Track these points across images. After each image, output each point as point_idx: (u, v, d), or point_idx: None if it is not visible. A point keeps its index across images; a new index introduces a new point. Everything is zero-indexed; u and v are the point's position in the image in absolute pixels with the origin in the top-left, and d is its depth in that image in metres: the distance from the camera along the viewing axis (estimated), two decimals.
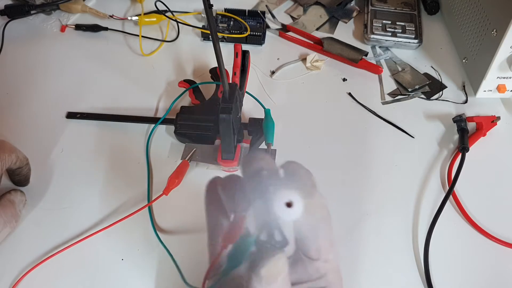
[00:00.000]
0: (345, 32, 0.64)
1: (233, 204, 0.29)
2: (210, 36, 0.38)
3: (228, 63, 0.46)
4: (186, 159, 0.47)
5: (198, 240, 0.44)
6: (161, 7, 0.62)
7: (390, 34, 0.61)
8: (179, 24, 0.63)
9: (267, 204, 0.25)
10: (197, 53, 0.61)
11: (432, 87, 0.57)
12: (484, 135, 0.52)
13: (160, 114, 0.54)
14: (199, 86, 0.54)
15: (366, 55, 0.59)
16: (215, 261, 0.29)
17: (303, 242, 0.28)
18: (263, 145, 0.48)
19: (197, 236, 0.44)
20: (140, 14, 0.64)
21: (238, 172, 0.29)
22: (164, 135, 0.52)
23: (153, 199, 0.46)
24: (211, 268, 0.29)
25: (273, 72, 0.59)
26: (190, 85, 0.54)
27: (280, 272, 0.25)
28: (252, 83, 0.57)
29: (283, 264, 0.25)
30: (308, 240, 0.28)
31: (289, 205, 0.25)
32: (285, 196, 0.25)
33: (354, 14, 0.66)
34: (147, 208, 0.46)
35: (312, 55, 0.60)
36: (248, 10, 0.64)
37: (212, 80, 0.56)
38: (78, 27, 0.63)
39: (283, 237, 0.26)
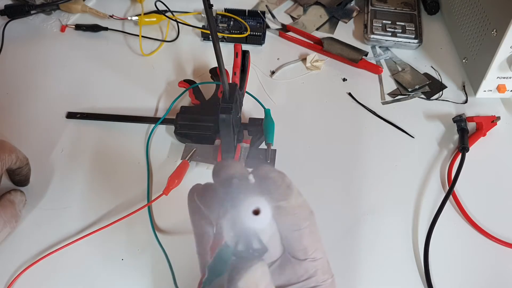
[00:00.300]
0: (345, 32, 0.64)
1: (212, 213, 0.29)
2: (210, 36, 0.38)
3: (228, 63, 0.46)
4: (186, 159, 0.47)
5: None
6: (161, 7, 0.62)
7: (390, 34, 0.61)
8: (179, 24, 0.63)
9: (236, 216, 0.25)
10: (197, 53, 0.61)
11: (432, 87, 0.57)
12: (484, 135, 0.52)
13: (160, 114, 0.54)
14: (199, 86, 0.54)
15: (366, 55, 0.59)
16: (204, 273, 0.29)
17: (288, 244, 0.28)
18: (263, 145, 0.48)
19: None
20: (140, 14, 0.64)
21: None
22: (164, 135, 0.52)
23: (152, 199, 0.46)
24: (202, 278, 0.29)
25: (273, 72, 0.59)
26: (190, 85, 0.54)
27: (259, 283, 0.24)
28: (252, 83, 0.57)
29: (262, 273, 0.25)
30: (292, 241, 0.28)
31: (256, 212, 0.24)
32: (251, 203, 0.24)
33: (354, 14, 0.66)
34: (147, 208, 0.46)
35: (312, 55, 0.60)
36: (248, 10, 0.64)
37: (212, 80, 0.56)
38: (78, 27, 0.63)
39: (261, 244, 0.26)
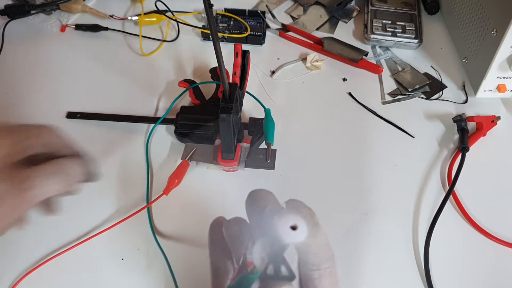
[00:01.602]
0: (345, 32, 0.64)
1: (238, 246, 0.29)
2: (210, 36, 0.38)
3: (228, 63, 0.46)
4: (186, 159, 0.47)
5: (197, 242, 0.44)
6: (161, 7, 0.62)
7: (390, 34, 0.61)
8: (179, 24, 0.63)
9: (272, 236, 0.26)
10: (197, 53, 0.61)
11: (432, 87, 0.57)
12: (484, 135, 0.52)
13: (160, 114, 0.54)
14: (199, 86, 0.54)
15: (366, 55, 0.59)
16: None
17: (307, 283, 0.28)
18: (263, 145, 0.48)
19: (196, 237, 0.44)
20: (140, 14, 0.64)
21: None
22: (164, 135, 0.52)
23: (153, 199, 0.46)
24: None
25: (273, 72, 0.59)
26: (190, 85, 0.54)
27: None
28: (252, 83, 0.57)
29: None
30: (312, 281, 0.28)
31: (294, 228, 0.25)
32: (290, 219, 0.25)
33: (354, 14, 0.66)
34: (146, 208, 0.46)
35: (312, 55, 0.60)
36: (248, 10, 0.64)
37: (212, 80, 0.56)
38: (78, 27, 0.63)
39: (289, 271, 0.27)
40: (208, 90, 0.54)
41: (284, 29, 0.64)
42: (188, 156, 0.47)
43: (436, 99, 0.56)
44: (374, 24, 0.62)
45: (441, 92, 0.57)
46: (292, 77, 0.59)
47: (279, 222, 0.25)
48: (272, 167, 0.47)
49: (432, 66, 0.60)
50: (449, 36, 0.63)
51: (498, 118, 0.53)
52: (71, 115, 0.54)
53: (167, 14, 0.62)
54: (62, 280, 0.42)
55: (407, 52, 0.61)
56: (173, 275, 0.41)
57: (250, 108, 0.53)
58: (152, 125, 0.52)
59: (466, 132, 0.51)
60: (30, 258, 0.43)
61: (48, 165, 0.34)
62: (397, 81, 0.58)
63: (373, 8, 0.64)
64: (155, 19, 0.64)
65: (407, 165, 0.50)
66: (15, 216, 0.32)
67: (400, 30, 0.61)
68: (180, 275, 0.42)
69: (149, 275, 0.42)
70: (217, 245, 0.32)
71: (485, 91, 0.55)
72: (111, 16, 0.64)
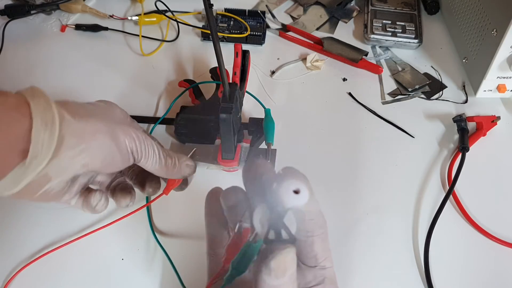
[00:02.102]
0: (345, 32, 0.64)
1: (236, 214, 0.30)
2: (210, 36, 0.38)
3: (228, 63, 0.46)
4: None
5: (197, 241, 0.44)
6: (161, 7, 0.62)
7: (390, 34, 0.61)
8: (179, 24, 0.64)
9: (273, 199, 0.26)
10: (197, 53, 0.61)
11: (432, 87, 0.57)
12: (484, 135, 0.52)
13: (160, 114, 0.54)
14: (199, 86, 0.54)
15: (366, 55, 0.60)
16: (219, 272, 0.29)
17: (300, 249, 0.28)
18: (263, 145, 0.48)
19: (196, 236, 0.44)
20: (140, 14, 0.64)
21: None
22: (164, 135, 0.52)
23: (152, 198, 0.46)
24: (214, 279, 0.29)
25: (273, 72, 0.59)
26: (190, 85, 0.54)
27: (288, 267, 0.25)
28: (252, 83, 0.57)
29: (292, 258, 0.25)
30: (305, 247, 0.28)
31: (296, 192, 0.26)
32: (291, 184, 0.26)
33: (354, 14, 0.66)
34: (146, 207, 0.46)
35: (312, 55, 0.60)
36: (248, 10, 0.64)
37: (212, 80, 0.56)
38: (78, 27, 0.63)
39: (290, 235, 0.27)
40: (208, 90, 0.54)
41: (284, 29, 0.64)
42: (188, 156, 0.47)
43: (436, 99, 0.56)
44: (374, 24, 0.62)
45: (441, 92, 0.57)
46: (292, 77, 0.59)
47: (281, 186, 0.25)
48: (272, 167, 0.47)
49: (432, 66, 0.60)
50: (449, 36, 0.63)
51: (498, 118, 0.53)
52: None
53: (167, 14, 0.62)
54: (62, 280, 0.42)
55: (407, 52, 0.61)
56: (177, 272, 0.41)
57: (250, 108, 0.53)
58: (152, 125, 0.52)
59: (466, 132, 0.51)
60: (27, 257, 0.43)
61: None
62: (397, 81, 0.58)
63: (373, 8, 0.64)
64: (155, 19, 0.64)
65: (407, 165, 0.50)
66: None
67: (400, 30, 0.61)
68: (181, 273, 0.42)
69: (149, 275, 0.42)
70: (213, 215, 0.32)
71: (485, 91, 0.55)
72: (111, 16, 0.64)
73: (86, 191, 0.37)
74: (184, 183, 0.43)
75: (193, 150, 0.47)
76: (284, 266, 0.25)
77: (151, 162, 0.37)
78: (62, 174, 0.31)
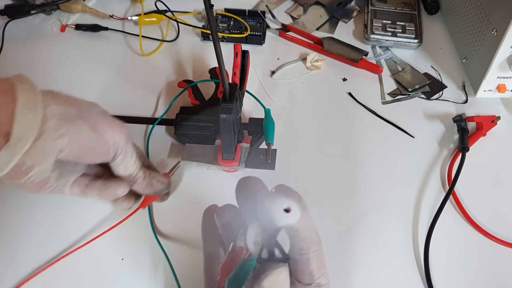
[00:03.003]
0: (345, 32, 0.64)
1: (230, 232, 0.30)
2: (210, 36, 0.38)
3: (228, 63, 0.46)
4: (186, 159, 0.47)
5: (197, 241, 0.44)
6: (161, 7, 0.62)
7: (390, 34, 0.61)
8: (179, 24, 0.63)
9: (265, 218, 0.26)
10: (197, 53, 0.61)
11: (432, 87, 0.57)
12: (484, 135, 0.52)
13: (159, 114, 0.54)
14: (199, 86, 0.54)
15: (366, 55, 0.60)
16: None
17: (295, 267, 0.28)
18: (263, 145, 0.48)
19: (196, 237, 0.44)
20: (140, 14, 0.64)
21: (233, 202, 0.30)
22: (164, 136, 0.52)
23: (129, 213, 0.45)
24: None
25: (273, 72, 0.59)
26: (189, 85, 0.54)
27: (281, 285, 0.25)
28: (252, 83, 0.57)
29: (284, 278, 0.25)
30: (300, 264, 0.28)
31: (287, 210, 0.25)
32: (283, 202, 0.26)
33: (354, 14, 0.66)
34: (147, 208, 0.46)
35: (312, 55, 0.60)
36: (248, 10, 0.64)
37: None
38: (78, 27, 0.63)
39: (283, 253, 0.27)
40: (208, 90, 0.54)
41: (284, 29, 0.64)
42: (173, 172, 0.46)
43: (436, 99, 0.56)
44: (374, 24, 0.62)
45: (441, 92, 0.57)
46: (292, 77, 0.59)
47: (272, 205, 0.25)
48: (273, 167, 0.47)
49: (432, 66, 0.60)
50: (449, 36, 0.63)
51: (498, 118, 0.53)
52: None
53: (167, 14, 0.62)
54: (62, 279, 0.42)
55: (407, 52, 0.61)
56: (175, 274, 0.41)
57: (250, 108, 0.53)
58: (151, 125, 0.52)
59: (466, 132, 0.51)
60: (30, 257, 0.43)
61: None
62: (397, 81, 0.58)
63: (373, 8, 0.64)
64: (155, 19, 0.64)
65: (407, 165, 0.50)
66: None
67: (400, 30, 0.61)
68: (181, 274, 0.42)
69: (149, 275, 0.42)
70: (209, 232, 0.32)
71: (485, 91, 0.55)
72: (111, 16, 0.64)
73: (106, 179, 0.38)
74: (166, 194, 0.43)
75: (178, 165, 0.46)
76: (277, 285, 0.25)
77: (126, 165, 0.37)
78: (44, 158, 0.32)
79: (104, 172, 0.40)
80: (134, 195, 0.41)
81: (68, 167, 0.37)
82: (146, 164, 0.42)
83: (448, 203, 0.46)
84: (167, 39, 0.63)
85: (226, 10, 0.64)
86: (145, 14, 0.64)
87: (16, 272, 0.42)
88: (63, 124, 0.32)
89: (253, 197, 0.28)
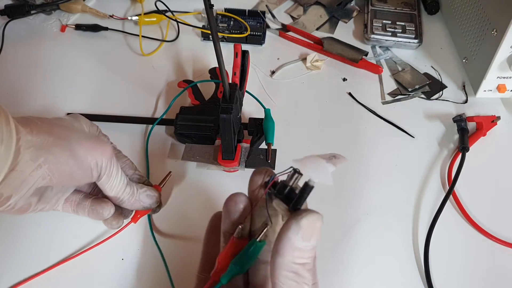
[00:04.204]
0: (345, 32, 0.64)
1: (238, 217, 0.29)
2: (210, 36, 0.38)
3: (228, 63, 0.46)
4: (186, 159, 0.47)
5: (197, 242, 0.44)
6: (161, 7, 0.62)
7: (390, 34, 0.61)
8: (179, 24, 0.63)
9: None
10: (197, 53, 0.61)
11: (432, 87, 0.57)
12: (484, 135, 0.52)
13: (159, 114, 0.54)
14: (199, 87, 0.54)
15: (366, 55, 0.59)
16: None
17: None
18: (263, 145, 0.48)
19: (196, 237, 0.44)
20: (140, 14, 0.64)
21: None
22: (164, 136, 0.52)
23: (118, 228, 0.45)
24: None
25: (273, 72, 0.59)
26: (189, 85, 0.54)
27: (315, 235, 0.24)
28: (252, 83, 0.57)
29: (319, 228, 0.24)
30: None
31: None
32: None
33: (354, 14, 0.66)
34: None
35: (312, 55, 0.60)
36: (248, 10, 0.64)
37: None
38: (78, 27, 0.63)
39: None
40: (208, 90, 0.54)
41: (284, 29, 0.64)
42: (164, 182, 0.46)
43: (436, 99, 0.56)
44: (374, 24, 0.62)
45: (441, 92, 0.57)
46: (292, 77, 0.59)
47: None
48: (273, 167, 0.47)
49: (432, 66, 0.60)
50: (449, 36, 0.63)
51: (498, 118, 0.53)
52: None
53: (167, 14, 0.62)
54: (62, 279, 0.42)
55: (407, 52, 0.61)
56: (170, 276, 0.41)
57: (250, 108, 0.53)
58: (151, 125, 0.52)
59: (466, 132, 0.51)
60: (30, 256, 0.43)
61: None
62: (397, 81, 0.58)
63: (373, 8, 0.64)
64: (155, 19, 0.64)
65: (407, 165, 0.50)
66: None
67: (400, 30, 0.61)
68: (178, 275, 0.42)
69: (149, 275, 0.42)
70: (214, 233, 0.32)
71: (485, 91, 0.55)
72: (111, 16, 0.64)
73: (94, 199, 0.39)
74: (157, 206, 0.43)
75: (169, 176, 0.46)
76: (312, 229, 0.24)
77: (111, 185, 0.38)
78: (22, 188, 0.32)
79: (96, 187, 0.40)
80: (122, 214, 0.42)
81: (56, 189, 0.37)
82: (137, 177, 0.42)
83: (448, 203, 0.46)
84: (167, 39, 0.63)
85: (226, 10, 0.64)
86: (145, 14, 0.64)
87: (16, 273, 0.42)
88: (41, 153, 0.32)
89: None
